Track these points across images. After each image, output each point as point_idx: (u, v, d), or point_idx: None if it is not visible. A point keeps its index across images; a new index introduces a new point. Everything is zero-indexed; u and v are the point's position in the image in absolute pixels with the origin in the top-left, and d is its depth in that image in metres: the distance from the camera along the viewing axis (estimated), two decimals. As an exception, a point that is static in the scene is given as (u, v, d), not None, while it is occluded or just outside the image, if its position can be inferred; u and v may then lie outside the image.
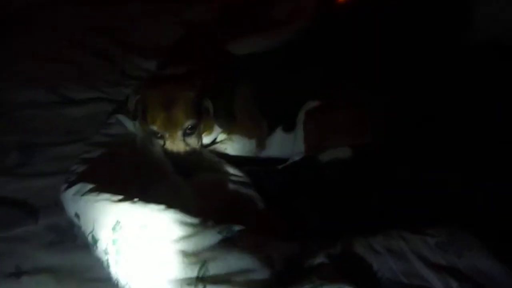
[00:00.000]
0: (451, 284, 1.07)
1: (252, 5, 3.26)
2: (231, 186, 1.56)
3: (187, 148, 1.65)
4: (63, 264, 1.38)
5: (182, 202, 1.42)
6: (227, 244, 1.17)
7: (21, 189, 1.62)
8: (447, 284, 1.08)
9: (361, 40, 2.77)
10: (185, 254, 1.13)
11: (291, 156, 1.89)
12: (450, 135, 1.97)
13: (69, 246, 1.44)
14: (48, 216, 1.52)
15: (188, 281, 1.08)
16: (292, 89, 2.00)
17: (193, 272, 1.09)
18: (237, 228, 1.23)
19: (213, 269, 1.09)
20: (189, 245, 1.16)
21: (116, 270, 1.18)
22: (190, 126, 1.65)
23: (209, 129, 1.83)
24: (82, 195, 1.29)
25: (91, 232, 1.25)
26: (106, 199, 1.25)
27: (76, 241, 1.44)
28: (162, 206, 1.24)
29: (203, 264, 1.10)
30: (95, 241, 1.25)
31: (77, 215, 1.30)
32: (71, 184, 1.33)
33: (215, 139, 1.88)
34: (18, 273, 1.32)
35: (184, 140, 1.65)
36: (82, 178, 1.36)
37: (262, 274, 1.10)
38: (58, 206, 1.48)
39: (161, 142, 1.67)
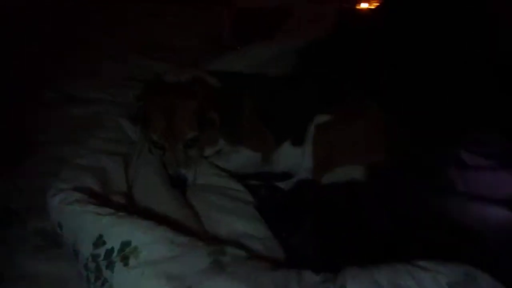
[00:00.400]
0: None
1: (267, 14, 3.20)
2: (228, 202, 1.46)
3: (188, 160, 1.56)
4: (48, 272, 1.30)
5: (174, 216, 1.34)
6: (216, 268, 1.06)
7: (11, 190, 1.55)
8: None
9: (381, 52, 2.67)
10: (169, 277, 1.03)
11: (297, 172, 1.78)
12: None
13: (55, 253, 1.35)
14: (37, 219, 1.44)
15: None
16: (302, 101, 1.90)
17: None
18: (229, 250, 1.13)
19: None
20: (175, 267, 1.06)
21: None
22: (192, 138, 1.55)
23: (214, 141, 1.73)
24: (67, 204, 1.20)
25: (73, 244, 1.17)
26: (91, 211, 1.16)
27: (62, 247, 1.35)
28: (150, 223, 1.14)
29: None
30: (75, 253, 1.16)
31: (60, 225, 1.21)
32: (57, 192, 1.25)
33: (220, 150, 1.78)
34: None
35: (185, 152, 1.56)
36: (69, 186, 1.27)
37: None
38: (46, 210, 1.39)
39: (160, 152, 1.58)
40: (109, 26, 2.77)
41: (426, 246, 1.38)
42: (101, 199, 1.26)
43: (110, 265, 1.08)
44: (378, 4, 3.39)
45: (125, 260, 1.07)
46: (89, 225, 1.13)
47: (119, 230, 1.12)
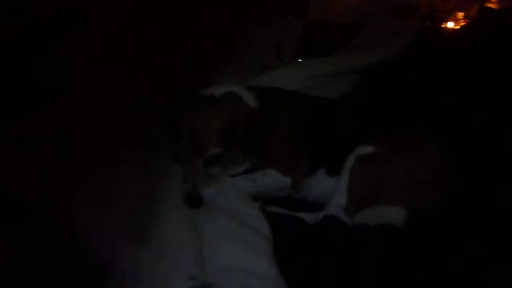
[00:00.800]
0: None
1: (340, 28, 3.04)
2: (238, 229, 1.35)
3: (207, 179, 1.48)
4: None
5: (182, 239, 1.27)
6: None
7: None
8: None
9: (462, 80, 2.36)
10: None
11: (328, 207, 1.61)
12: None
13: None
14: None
15: None
16: (345, 126, 1.73)
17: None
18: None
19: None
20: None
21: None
22: (213, 155, 1.48)
23: (241, 161, 1.63)
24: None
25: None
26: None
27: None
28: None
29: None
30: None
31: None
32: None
33: (247, 169, 1.68)
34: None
35: (205, 169, 1.48)
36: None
37: None
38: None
39: (182, 167, 1.53)
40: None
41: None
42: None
43: None
44: (466, 24, 3.02)
45: None
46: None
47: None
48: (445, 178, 1.59)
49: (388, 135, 1.66)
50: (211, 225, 1.36)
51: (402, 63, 2.54)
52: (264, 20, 3.09)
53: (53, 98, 2.04)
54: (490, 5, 3.06)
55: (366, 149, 1.61)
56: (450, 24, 3.18)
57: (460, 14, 3.23)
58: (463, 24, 3.12)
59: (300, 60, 2.62)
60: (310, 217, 1.60)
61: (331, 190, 1.64)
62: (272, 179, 1.64)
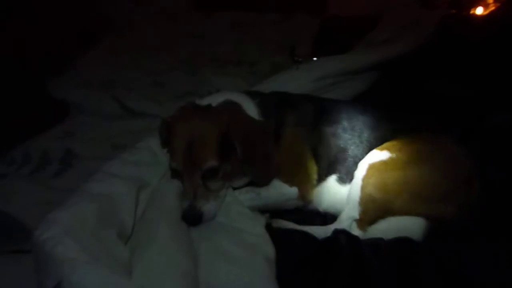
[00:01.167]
0: None
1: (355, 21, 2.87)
2: (238, 248, 1.25)
3: (206, 193, 1.38)
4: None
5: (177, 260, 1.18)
6: None
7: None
8: None
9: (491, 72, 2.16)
10: None
11: (339, 219, 1.48)
12: None
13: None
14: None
15: None
16: (358, 130, 1.58)
17: None
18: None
19: None
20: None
21: None
22: (211, 168, 1.38)
23: (241, 173, 1.51)
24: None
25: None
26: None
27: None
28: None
29: None
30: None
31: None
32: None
33: (250, 181, 1.56)
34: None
35: (203, 184, 1.39)
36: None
37: None
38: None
39: (179, 181, 1.44)
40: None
41: None
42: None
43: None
44: (496, 8, 2.78)
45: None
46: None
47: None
48: (471, 187, 1.43)
49: (405, 138, 1.50)
50: (214, 245, 1.26)
51: (423, 55, 2.36)
52: (276, 20, 2.99)
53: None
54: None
55: (379, 155, 1.47)
56: (479, 10, 2.93)
57: (491, -1, 2.98)
58: (493, 9, 2.87)
59: (315, 58, 2.49)
60: (320, 231, 1.47)
61: (343, 199, 1.52)
62: (277, 191, 1.52)
